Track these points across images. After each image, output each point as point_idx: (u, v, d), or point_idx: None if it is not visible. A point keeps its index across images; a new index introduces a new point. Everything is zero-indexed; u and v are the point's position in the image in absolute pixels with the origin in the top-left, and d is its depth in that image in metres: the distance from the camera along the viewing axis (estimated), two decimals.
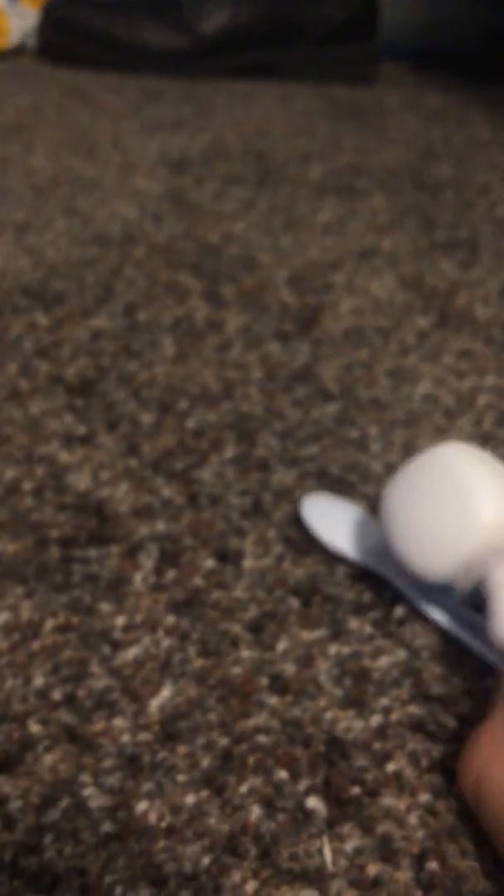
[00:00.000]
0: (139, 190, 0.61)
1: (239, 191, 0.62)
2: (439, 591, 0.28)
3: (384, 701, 0.25)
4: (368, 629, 0.27)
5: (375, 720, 0.25)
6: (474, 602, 0.26)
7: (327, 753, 0.24)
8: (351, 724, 0.24)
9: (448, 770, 0.23)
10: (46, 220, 0.55)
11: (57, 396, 0.38)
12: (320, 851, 0.21)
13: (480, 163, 0.67)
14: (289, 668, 0.26)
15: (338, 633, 0.27)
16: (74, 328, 0.44)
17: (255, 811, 0.22)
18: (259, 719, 0.24)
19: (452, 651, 0.27)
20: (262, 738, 0.24)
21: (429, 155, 0.70)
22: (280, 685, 0.26)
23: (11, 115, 0.78)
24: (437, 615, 0.27)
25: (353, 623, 0.28)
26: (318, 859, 0.21)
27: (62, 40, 0.99)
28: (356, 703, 0.25)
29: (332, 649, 0.27)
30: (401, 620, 0.28)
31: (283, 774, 0.23)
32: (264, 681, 0.26)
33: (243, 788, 0.23)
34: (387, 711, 0.25)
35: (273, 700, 0.25)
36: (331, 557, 0.30)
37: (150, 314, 0.45)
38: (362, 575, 0.30)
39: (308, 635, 0.27)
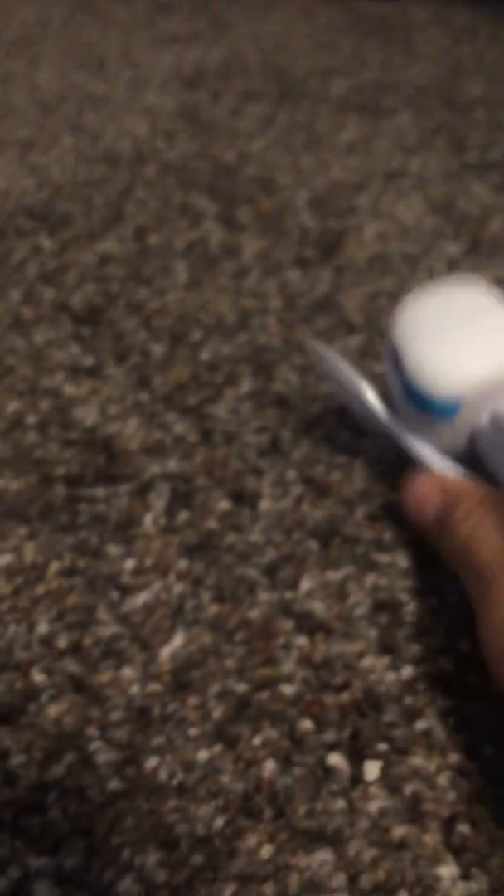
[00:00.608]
0: (150, 106, 0.57)
1: (257, 108, 0.58)
2: (438, 418, 0.26)
3: (416, 649, 0.24)
4: (402, 563, 0.26)
5: (407, 672, 0.23)
6: (469, 455, 0.26)
7: (359, 704, 0.22)
8: (383, 676, 0.23)
9: (478, 730, 0.22)
10: (52, 137, 0.52)
11: (62, 325, 0.36)
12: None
13: None
14: (318, 606, 0.24)
15: (368, 567, 0.26)
16: (81, 252, 0.41)
17: (270, 766, 0.21)
18: (285, 666, 0.23)
19: None
20: (285, 686, 0.22)
21: (458, 72, 0.66)
22: (309, 624, 0.24)
23: (16, 29, 0.73)
24: (426, 452, 0.27)
25: (383, 558, 0.26)
26: (337, 819, 0.20)
27: None
28: (389, 648, 0.23)
29: (368, 581, 0.25)
30: (432, 560, 0.26)
31: (307, 725, 0.21)
32: (289, 623, 0.24)
33: (257, 741, 0.21)
34: (418, 662, 0.23)
35: (301, 641, 0.24)
36: (351, 498, 0.28)
37: (162, 238, 0.42)
38: (383, 514, 0.28)
39: (333, 575, 0.25)
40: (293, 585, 0.25)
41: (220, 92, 0.60)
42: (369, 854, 0.19)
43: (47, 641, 0.23)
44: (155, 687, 0.22)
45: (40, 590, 0.25)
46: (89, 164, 0.49)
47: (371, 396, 0.27)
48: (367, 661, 0.23)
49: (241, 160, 0.50)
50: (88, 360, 0.34)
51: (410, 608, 0.25)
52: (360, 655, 0.23)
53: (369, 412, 0.28)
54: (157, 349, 0.35)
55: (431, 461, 0.26)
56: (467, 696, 0.23)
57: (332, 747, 0.21)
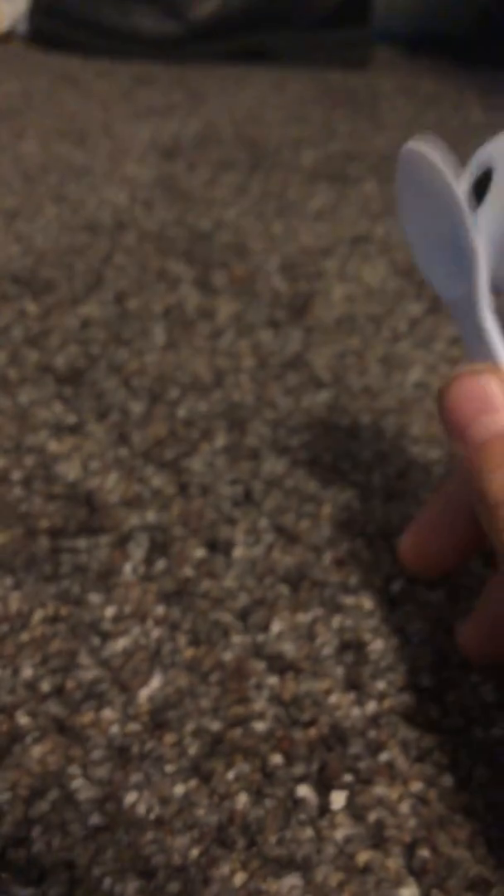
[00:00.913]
0: (130, 176, 0.60)
1: (231, 177, 0.61)
2: None
3: (380, 685, 0.25)
4: (367, 605, 0.27)
5: (371, 707, 0.24)
6: None
7: (326, 739, 0.24)
8: (349, 711, 0.24)
9: (437, 761, 0.23)
10: (36, 206, 0.55)
11: (46, 385, 0.38)
12: None
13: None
14: (288, 647, 0.26)
15: (335, 609, 0.27)
16: (64, 316, 0.43)
17: (243, 799, 0.22)
18: (257, 704, 0.24)
19: (441, 636, 0.27)
20: (257, 723, 0.24)
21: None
22: (280, 665, 0.25)
23: (1, 101, 0.77)
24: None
25: (349, 600, 0.28)
26: (306, 846, 0.21)
27: (52, 26, 0.98)
28: (354, 685, 0.25)
29: (335, 622, 0.27)
30: (393, 601, 0.28)
31: (277, 760, 0.23)
32: (261, 663, 0.26)
33: (230, 775, 0.22)
34: (381, 697, 0.25)
35: (272, 681, 0.25)
36: (318, 545, 0.30)
37: (141, 302, 0.45)
38: (349, 559, 0.29)
39: (302, 617, 0.27)
40: (264, 628, 0.27)
41: (196, 162, 0.63)
42: (336, 878, 0.21)
43: (31, 685, 0.25)
44: (134, 727, 0.24)
45: (25, 637, 0.26)
46: (71, 232, 0.52)
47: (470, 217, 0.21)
48: (333, 698, 0.25)
49: (216, 227, 0.53)
50: (71, 419, 0.36)
51: (374, 647, 0.26)
52: (328, 692, 0.25)
53: (460, 241, 0.21)
54: (137, 407, 0.37)
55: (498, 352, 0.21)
56: (427, 729, 0.24)
57: (301, 780, 0.23)
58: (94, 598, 0.28)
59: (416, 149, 0.21)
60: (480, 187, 0.22)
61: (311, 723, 0.24)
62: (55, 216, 0.54)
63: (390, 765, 0.23)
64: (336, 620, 0.27)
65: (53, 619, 0.27)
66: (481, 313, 0.21)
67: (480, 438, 0.19)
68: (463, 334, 0.22)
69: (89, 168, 0.62)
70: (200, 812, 0.22)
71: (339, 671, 0.26)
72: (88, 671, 0.25)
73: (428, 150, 0.21)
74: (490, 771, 0.23)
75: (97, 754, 0.23)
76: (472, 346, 0.22)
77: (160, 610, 0.27)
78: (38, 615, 0.27)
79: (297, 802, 0.22)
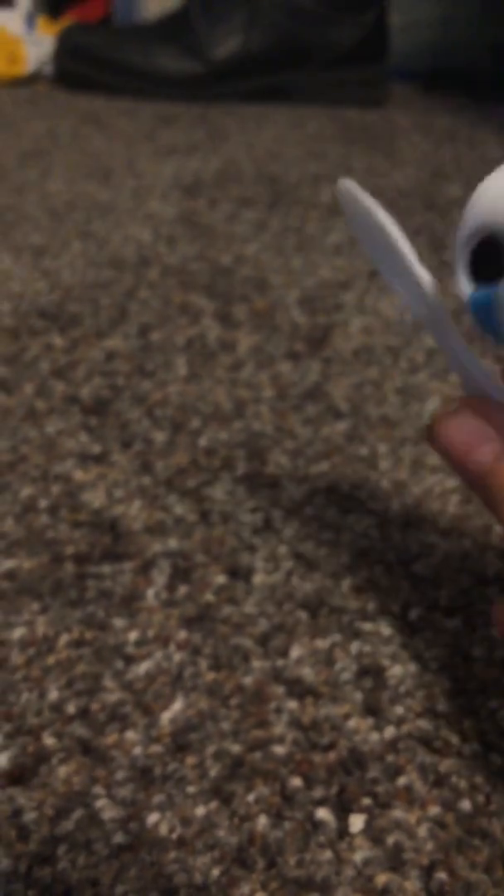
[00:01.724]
0: (153, 213, 0.62)
1: (251, 213, 0.63)
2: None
3: (399, 710, 0.25)
4: (385, 631, 0.28)
5: (389, 732, 0.25)
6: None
7: (345, 763, 0.24)
8: (367, 736, 0.25)
9: (454, 785, 0.24)
10: (62, 243, 0.57)
11: (72, 416, 0.39)
12: None
13: None
14: (307, 672, 0.27)
15: (354, 635, 0.28)
16: (89, 349, 0.44)
17: (263, 821, 0.22)
18: (277, 728, 0.25)
19: (459, 663, 0.27)
20: (276, 747, 0.24)
21: (439, 175, 0.71)
22: (299, 689, 0.26)
23: (29, 141, 0.80)
24: (470, 358, 0.21)
25: (367, 626, 0.28)
26: (325, 868, 0.21)
27: (77, 67, 1.01)
28: (373, 710, 0.25)
29: (353, 648, 0.27)
30: (413, 628, 0.28)
31: (297, 782, 0.23)
32: (280, 688, 0.26)
33: (250, 797, 0.23)
34: (400, 722, 0.25)
35: (292, 705, 0.25)
36: (337, 571, 0.31)
37: (164, 335, 0.46)
38: (366, 585, 0.30)
39: (321, 643, 0.28)
40: (284, 653, 0.27)
41: (218, 199, 0.65)
42: None
43: (57, 708, 0.25)
44: (156, 748, 0.24)
45: (51, 660, 0.27)
46: (97, 267, 0.53)
47: (409, 251, 0.20)
48: (352, 723, 0.25)
49: (236, 262, 0.54)
50: (96, 448, 0.37)
51: (392, 672, 0.27)
52: (346, 717, 0.25)
53: (406, 271, 0.20)
54: (159, 437, 0.38)
55: (474, 372, 0.21)
56: (445, 754, 0.24)
57: (320, 802, 0.23)
58: (118, 622, 0.29)
59: (348, 187, 0.21)
60: (487, 258, 0.20)
61: (330, 746, 0.24)
62: (81, 252, 0.55)
63: (408, 789, 0.23)
64: (355, 646, 0.28)
65: (79, 643, 0.28)
66: (448, 335, 0.21)
67: (480, 471, 0.20)
68: (438, 345, 0.22)
69: (114, 205, 0.63)
70: (221, 833, 0.22)
71: (358, 696, 0.26)
72: (112, 694, 0.26)
73: (358, 189, 0.21)
74: None
75: (121, 775, 0.23)
76: (447, 356, 0.22)
77: (182, 634, 0.28)
78: (64, 639, 0.28)
79: (317, 825, 0.23)
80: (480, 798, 0.23)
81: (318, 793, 0.23)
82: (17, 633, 0.28)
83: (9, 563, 0.31)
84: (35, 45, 1.04)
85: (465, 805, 0.23)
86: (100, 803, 0.23)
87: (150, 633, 0.28)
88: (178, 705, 0.26)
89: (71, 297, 0.50)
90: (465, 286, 0.20)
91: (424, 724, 0.25)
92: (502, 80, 1.11)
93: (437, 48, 1.20)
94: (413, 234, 0.58)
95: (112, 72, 1.00)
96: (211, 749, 0.24)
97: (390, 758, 0.24)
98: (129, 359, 0.44)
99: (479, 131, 0.86)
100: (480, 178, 0.20)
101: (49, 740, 0.25)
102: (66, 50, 1.02)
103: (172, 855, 0.22)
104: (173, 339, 0.46)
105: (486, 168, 0.20)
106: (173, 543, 0.32)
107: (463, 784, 0.23)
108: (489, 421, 0.21)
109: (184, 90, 0.99)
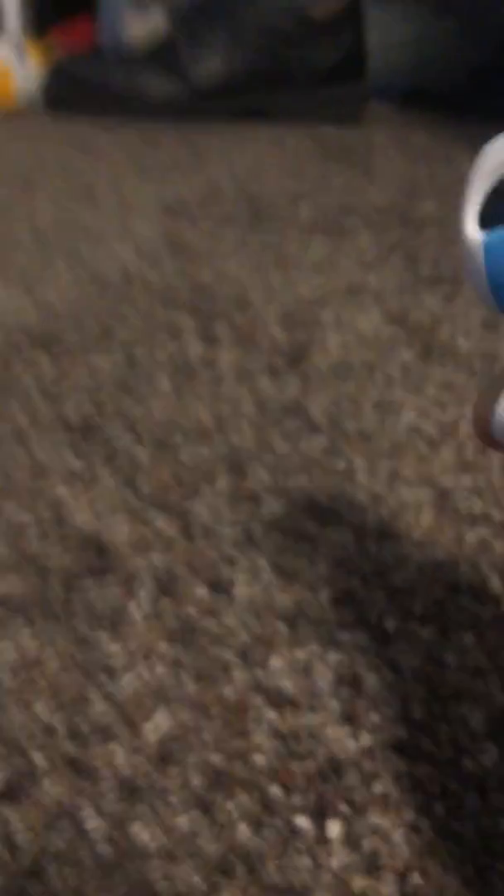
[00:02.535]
0: (137, 233, 0.63)
1: (231, 232, 0.64)
2: None
3: (375, 718, 0.26)
4: (362, 641, 0.29)
5: (365, 740, 0.26)
6: None
7: (322, 770, 0.25)
8: (344, 744, 0.25)
9: (429, 791, 0.24)
10: (49, 264, 0.57)
11: (58, 435, 0.40)
12: None
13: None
14: (286, 683, 0.27)
15: (331, 646, 0.28)
16: (75, 367, 0.45)
17: (243, 829, 0.23)
18: (257, 737, 0.25)
19: (433, 670, 0.28)
20: (256, 756, 0.25)
21: (414, 193, 0.72)
22: (278, 699, 0.27)
23: (17, 167, 0.81)
24: None
25: (344, 637, 0.29)
26: (303, 874, 0.22)
27: (66, 95, 1.02)
28: (350, 719, 0.26)
29: (331, 658, 0.28)
30: (388, 637, 0.29)
31: (276, 791, 0.24)
32: (260, 698, 0.27)
33: (231, 806, 0.23)
34: (375, 730, 0.26)
35: (271, 715, 0.26)
36: (315, 583, 0.31)
37: (147, 352, 0.47)
38: (343, 597, 0.31)
39: (299, 653, 0.28)
40: (264, 664, 0.28)
41: (199, 218, 0.66)
42: None
43: (44, 724, 0.26)
44: (140, 761, 0.25)
45: (39, 678, 0.28)
46: (82, 287, 0.54)
47: None
48: (330, 731, 0.26)
49: (217, 280, 0.55)
50: (81, 466, 0.38)
51: (369, 682, 0.28)
52: (324, 726, 0.26)
53: None
54: (142, 453, 0.39)
55: None
56: (420, 759, 0.25)
57: (299, 810, 0.24)
58: (103, 637, 0.29)
59: None
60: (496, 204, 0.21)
61: (309, 755, 0.25)
62: (65, 271, 0.56)
63: (384, 795, 0.24)
64: (332, 656, 0.28)
65: (65, 660, 0.28)
66: None
67: None
68: None
69: (99, 226, 0.64)
70: (203, 841, 0.23)
71: (336, 705, 0.27)
72: (97, 708, 0.27)
73: None
74: (480, 799, 0.24)
75: (106, 787, 0.24)
76: None
77: (164, 648, 0.29)
78: (52, 656, 0.28)
79: (295, 832, 0.23)
80: (453, 802, 0.24)
81: (296, 800, 0.24)
82: (6, 651, 0.29)
83: (0, 587, 0.31)
84: (25, 76, 1.06)
85: (439, 809, 0.24)
86: (86, 816, 0.24)
87: (134, 646, 0.29)
88: (161, 717, 0.26)
89: (57, 316, 0.50)
90: (474, 232, 0.20)
91: (400, 731, 0.26)
92: (478, 99, 1.13)
93: (414, 68, 1.22)
94: (388, 251, 0.60)
95: (99, 98, 1.01)
96: (193, 760, 0.25)
97: (367, 765, 0.25)
98: (112, 376, 0.44)
99: (455, 149, 0.88)
100: (455, 196, 0.21)
101: (38, 758, 0.25)
102: (53, 76, 1.03)
103: (156, 864, 0.22)
104: (156, 356, 0.46)
105: (462, 185, 0.21)
106: (156, 558, 0.33)
107: (436, 789, 0.24)
108: None
109: (168, 112, 1.00)
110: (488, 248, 0.20)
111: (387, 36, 1.18)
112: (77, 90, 1.02)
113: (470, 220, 0.20)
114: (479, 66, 1.23)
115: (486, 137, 0.22)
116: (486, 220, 0.20)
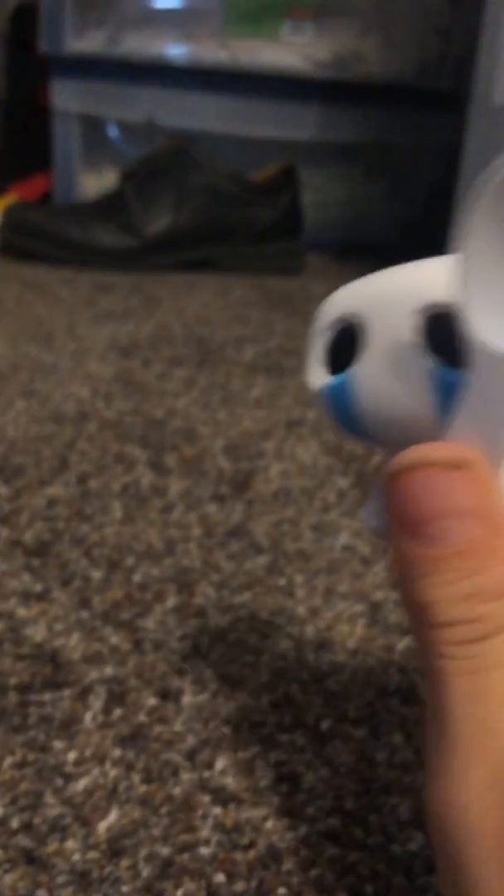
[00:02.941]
0: (92, 372, 0.68)
1: (181, 371, 0.69)
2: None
3: (311, 811, 0.29)
4: (300, 741, 0.31)
5: (302, 830, 0.28)
6: None
7: (263, 859, 0.27)
8: (283, 834, 0.28)
9: (360, 874, 0.27)
10: (7, 401, 0.62)
11: (16, 558, 0.43)
12: None
13: None
14: (230, 782, 0.30)
15: (272, 746, 0.31)
16: (32, 497, 0.49)
17: None
18: (203, 832, 0.28)
19: (365, 766, 0.31)
20: (202, 848, 0.27)
21: None
22: (223, 797, 0.29)
23: None
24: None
25: (284, 738, 0.31)
26: None
27: (21, 240, 1.11)
28: (289, 812, 0.29)
29: (272, 757, 0.30)
30: (324, 738, 0.32)
31: (220, 878, 0.26)
32: (206, 797, 0.29)
33: (179, 894, 0.25)
34: (312, 821, 0.28)
35: (217, 811, 0.28)
36: (257, 690, 0.34)
37: (101, 482, 0.51)
38: (283, 701, 0.33)
39: (243, 754, 0.31)
40: (210, 765, 0.31)
41: (151, 359, 0.72)
42: None
43: (2, 822, 0.28)
44: (93, 854, 0.27)
45: None
46: (39, 422, 0.58)
47: None
48: (270, 823, 0.28)
49: (167, 415, 0.60)
50: (38, 587, 0.41)
51: (307, 778, 0.30)
52: (265, 819, 0.28)
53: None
54: (97, 574, 0.42)
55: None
56: (352, 847, 0.28)
57: (241, 895, 0.26)
58: (58, 744, 0.31)
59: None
60: (339, 350, 0.21)
61: (251, 845, 0.27)
62: (24, 409, 0.61)
63: (319, 878, 0.26)
64: (273, 756, 0.31)
65: (21, 765, 0.30)
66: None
67: (439, 545, 0.17)
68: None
69: (55, 366, 0.70)
70: None
71: (276, 800, 0.29)
72: (53, 808, 0.28)
73: None
74: (407, 880, 0.26)
75: (61, 879, 0.26)
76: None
77: (117, 752, 0.31)
78: (8, 761, 0.30)
79: None
80: (382, 884, 0.26)
81: (239, 886, 0.26)
82: None
83: None
84: None
85: (369, 890, 0.26)
86: None
87: (88, 752, 0.31)
88: (113, 816, 0.28)
89: (15, 449, 0.54)
90: (318, 377, 0.22)
91: (334, 821, 0.28)
92: (408, 250, 1.25)
93: (348, 223, 1.35)
94: None
95: (53, 245, 1.10)
96: (143, 852, 0.27)
97: (304, 852, 0.27)
98: (69, 504, 0.48)
99: None
100: None
101: None
102: (11, 225, 1.11)
103: None
104: (110, 485, 0.50)
105: None
106: (109, 671, 0.35)
107: (367, 872, 0.27)
108: None
109: (120, 262, 1.08)
110: (324, 393, 0.22)
111: (321, 195, 1.32)
112: (34, 239, 1.10)
113: (311, 370, 0.22)
114: (407, 221, 1.37)
115: None
116: (343, 361, 0.21)
